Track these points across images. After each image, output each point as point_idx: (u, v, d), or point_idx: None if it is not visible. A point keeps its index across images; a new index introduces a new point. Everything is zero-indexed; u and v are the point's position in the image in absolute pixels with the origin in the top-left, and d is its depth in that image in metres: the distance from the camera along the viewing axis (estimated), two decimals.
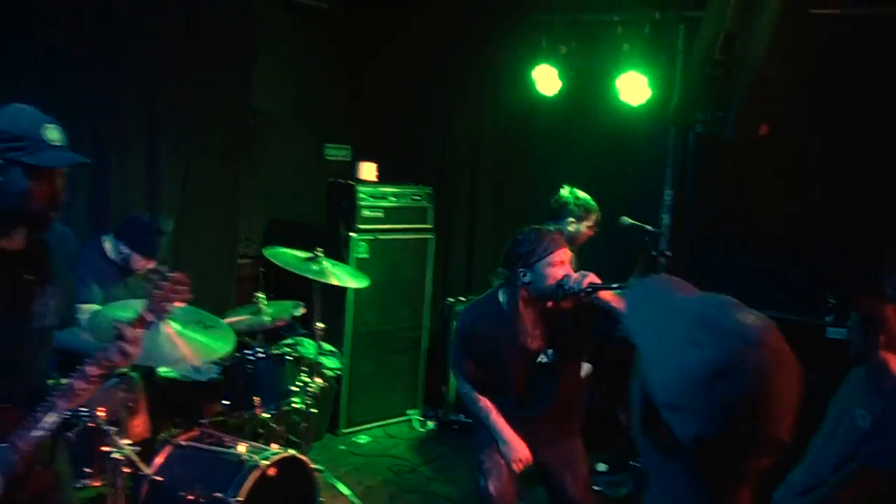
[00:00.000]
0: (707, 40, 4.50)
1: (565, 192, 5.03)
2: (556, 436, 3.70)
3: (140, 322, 2.61)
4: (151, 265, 4.76)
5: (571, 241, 5.06)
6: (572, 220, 4.96)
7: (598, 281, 3.31)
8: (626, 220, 5.09)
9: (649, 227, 5.16)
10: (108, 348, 2.53)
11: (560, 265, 3.39)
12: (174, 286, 2.68)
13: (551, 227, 4.92)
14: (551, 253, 3.39)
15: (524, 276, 3.41)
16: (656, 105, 5.37)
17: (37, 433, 2.42)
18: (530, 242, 3.41)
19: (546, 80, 5.86)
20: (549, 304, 3.49)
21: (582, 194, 5.00)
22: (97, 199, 5.17)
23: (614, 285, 3.27)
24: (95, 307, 4.49)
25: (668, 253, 5.32)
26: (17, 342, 2.49)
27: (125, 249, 4.66)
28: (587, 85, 5.85)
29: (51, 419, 2.43)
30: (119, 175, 5.31)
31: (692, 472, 1.36)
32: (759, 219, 5.42)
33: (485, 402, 3.66)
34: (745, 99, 4.44)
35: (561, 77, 5.82)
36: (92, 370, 2.50)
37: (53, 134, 2.40)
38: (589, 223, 4.98)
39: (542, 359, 3.57)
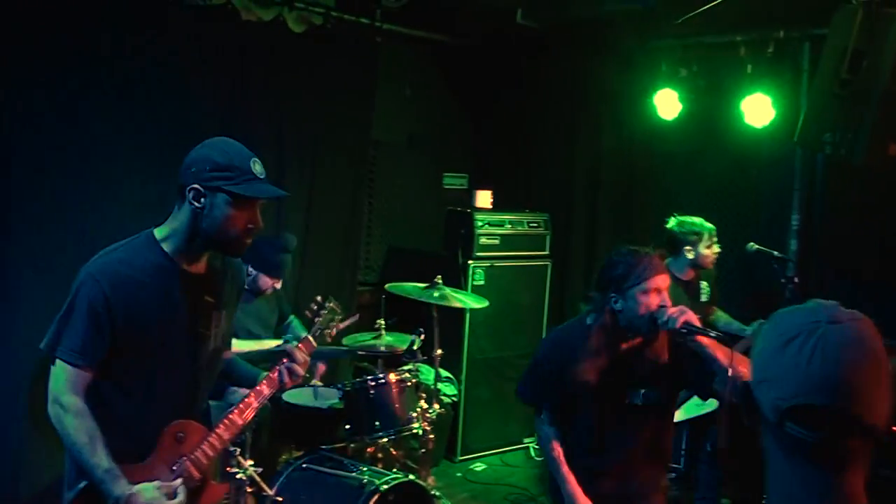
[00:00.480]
0: (833, 58, 4.35)
1: (670, 223, 5.00)
2: (639, 493, 3.26)
3: (305, 346, 2.88)
4: (278, 284, 4.94)
5: (698, 267, 4.96)
6: (688, 247, 4.92)
7: (695, 322, 2.86)
8: (753, 245, 4.98)
9: (777, 254, 5.01)
10: (279, 369, 2.78)
11: (655, 293, 2.99)
12: (333, 313, 3.02)
13: (668, 260, 4.89)
14: (648, 279, 2.99)
15: (615, 301, 3.04)
16: (782, 126, 5.21)
17: (216, 447, 2.63)
18: (626, 265, 3.03)
19: (667, 103, 5.77)
20: (638, 338, 3.11)
21: (688, 218, 4.94)
22: None
23: (712, 333, 2.83)
24: (237, 344, 4.70)
25: (797, 280, 5.13)
26: (196, 360, 2.66)
27: (252, 271, 4.85)
28: (709, 107, 5.72)
29: (228, 434, 2.67)
30: None
31: (801, 464, 1.40)
32: (893, 246, 5.16)
33: (558, 451, 3.25)
34: (876, 119, 4.27)
35: (682, 100, 5.72)
36: (263, 388, 2.76)
37: (258, 167, 2.54)
38: (706, 243, 4.89)
39: (635, 400, 3.15)
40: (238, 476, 3.75)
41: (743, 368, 2.54)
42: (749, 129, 5.37)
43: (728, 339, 2.75)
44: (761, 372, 1.43)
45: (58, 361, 2.47)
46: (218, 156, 2.50)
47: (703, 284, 5.11)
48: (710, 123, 5.78)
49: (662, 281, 3.02)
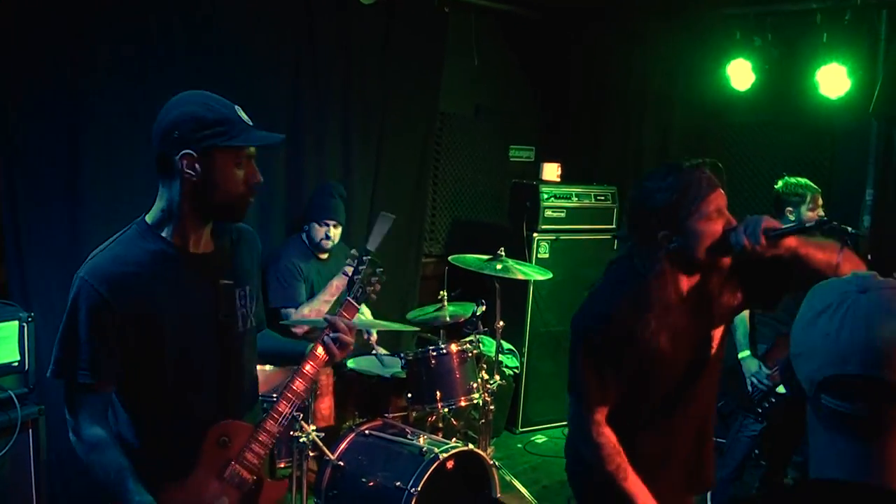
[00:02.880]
0: None
1: (778, 183, 4.86)
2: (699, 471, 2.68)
3: (348, 310, 2.54)
4: (333, 232, 4.91)
5: None
6: (790, 208, 4.80)
7: (776, 224, 2.26)
8: (845, 227, 4.82)
9: (850, 229, 4.83)
10: (322, 340, 2.44)
11: (717, 215, 2.30)
12: (373, 270, 2.62)
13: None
14: (704, 198, 2.28)
15: (670, 241, 2.31)
16: (857, 98, 5.06)
17: (266, 443, 2.36)
18: (671, 190, 2.29)
19: (740, 74, 5.63)
20: (706, 273, 2.43)
21: (794, 179, 4.79)
22: (292, 197, 5.42)
23: (809, 223, 2.39)
24: (304, 309, 4.76)
25: (870, 257, 4.99)
26: (227, 351, 2.35)
27: (306, 227, 4.91)
28: (783, 78, 5.56)
29: (277, 428, 2.38)
30: (315, 173, 5.56)
31: (840, 436, 1.36)
32: None
33: (624, 461, 2.49)
34: None
35: (755, 70, 5.58)
36: (309, 368, 2.43)
37: (244, 114, 2.24)
38: (808, 205, 4.78)
39: (706, 353, 2.53)
40: (301, 440, 3.85)
41: (850, 265, 2.25)
42: (824, 100, 5.23)
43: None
44: (796, 345, 1.41)
45: (68, 385, 2.19)
46: (203, 111, 2.16)
47: None
48: (784, 94, 5.62)
49: (721, 198, 2.33)
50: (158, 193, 2.26)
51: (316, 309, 4.72)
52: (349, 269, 2.64)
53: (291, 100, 5.44)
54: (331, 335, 2.44)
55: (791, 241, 2.27)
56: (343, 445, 4.21)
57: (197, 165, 2.15)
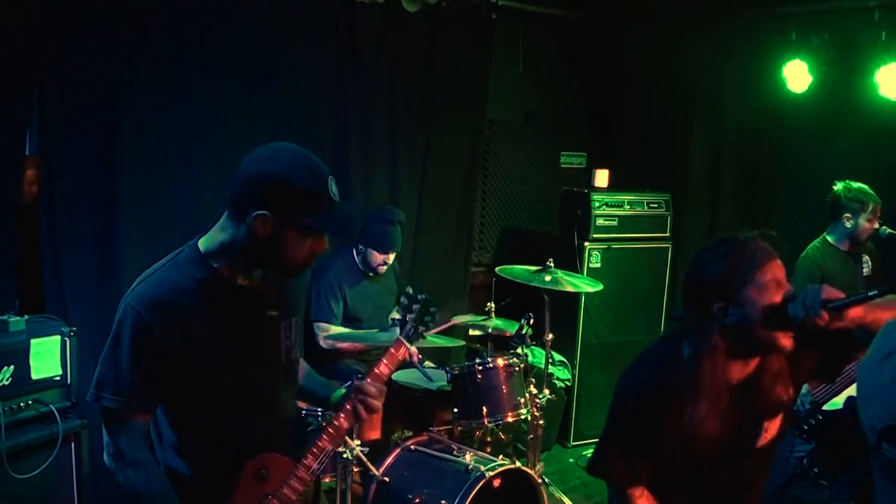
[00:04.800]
0: None
1: (838, 186, 4.77)
2: None
3: (397, 348, 2.51)
4: (390, 259, 4.91)
5: (853, 238, 4.71)
6: (847, 214, 4.70)
7: (838, 294, 2.08)
8: (886, 229, 4.68)
9: None
10: (352, 405, 2.37)
11: (775, 286, 2.15)
12: (427, 310, 2.58)
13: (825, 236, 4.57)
14: (760, 268, 2.16)
15: (725, 314, 2.17)
16: None
17: (305, 479, 2.33)
18: (725, 260, 2.18)
19: (796, 75, 5.47)
20: (755, 358, 2.27)
21: (856, 184, 4.70)
22: None
23: (871, 292, 2.10)
24: (336, 328, 4.75)
25: None
26: (269, 383, 2.34)
27: (362, 248, 4.88)
28: (841, 79, 5.38)
29: (317, 464, 2.34)
30: (362, 181, 5.54)
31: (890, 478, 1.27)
32: None
33: None
34: None
35: (811, 71, 5.40)
36: (343, 424, 2.37)
37: (334, 187, 2.17)
38: (867, 215, 4.64)
39: (756, 441, 2.35)
40: (345, 455, 3.81)
41: None
42: (884, 101, 5.04)
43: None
44: (861, 388, 1.30)
45: (108, 410, 2.17)
46: (293, 177, 2.10)
47: (865, 258, 4.85)
48: (843, 96, 5.44)
49: (778, 268, 2.20)
50: (221, 223, 2.23)
51: (351, 345, 4.77)
52: (398, 313, 2.61)
53: (336, 110, 5.45)
54: (358, 398, 2.38)
55: (856, 311, 2.08)
56: (388, 461, 4.18)
57: (269, 229, 2.12)
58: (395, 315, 2.69)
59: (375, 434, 4.39)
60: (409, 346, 2.55)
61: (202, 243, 2.24)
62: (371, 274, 4.97)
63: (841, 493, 4.81)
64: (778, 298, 2.14)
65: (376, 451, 4.22)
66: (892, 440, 1.19)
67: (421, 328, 2.58)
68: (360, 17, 5.41)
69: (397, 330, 2.62)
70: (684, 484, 2.40)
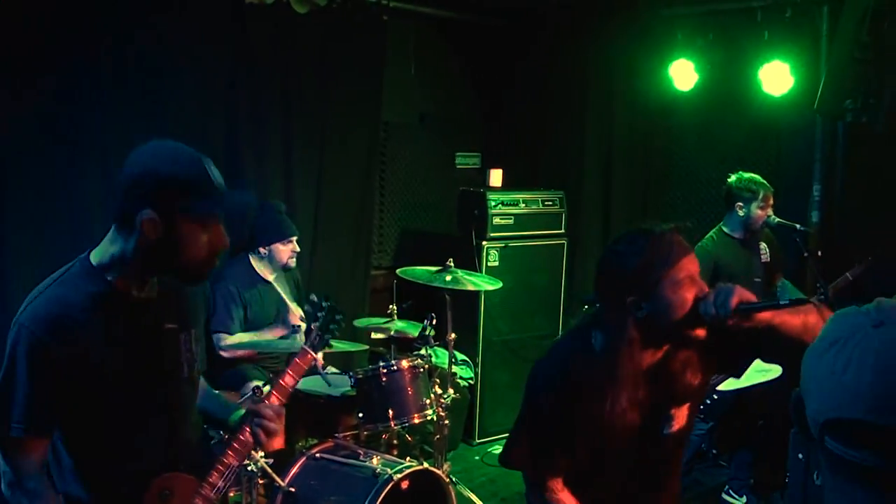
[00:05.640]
0: (852, 21, 4.23)
1: (731, 177, 4.91)
2: None
3: (302, 358, 2.44)
4: (296, 247, 4.85)
5: (747, 227, 4.86)
6: (740, 203, 4.85)
7: (750, 297, 2.12)
8: (774, 218, 4.85)
9: (798, 226, 4.87)
10: (250, 429, 2.29)
11: (690, 283, 2.16)
12: (332, 317, 2.54)
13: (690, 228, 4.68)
14: (675, 265, 2.15)
15: (638, 308, 2.17)
16: (801, 94, 5.06)
17: (211, 498, 2.25)
18: (639, 255, 2.17)
19: (683, 74, 5.64)
20: (672, 344, 2.28)
21: (747, 175, 4.85)
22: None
23: (782, 301, 2.16)
24: (238, 336, 4.64)
25: (819, 253, 5.00)
26: (171, 398, 2.24)
27: (263, 251, 4.78)
28: (726, 77, 5.58)
29: (221, 482, 2.26)
30: (256, 188, 5.41)
31: (846, 484, 1.25)
32: None
33: None
34: None
35: (697, 70, 5.58)
36: (242, 447, 2.29)
37: (215, 171, 2.08)
38: (759, 203, 4.79)
39: (666, 429, 2.36)
40: (249, 468, 3.70)
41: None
42: (768, 97, 5.24)
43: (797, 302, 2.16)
44: (805, 379, 1.30)
45: (6, 437, 2.05)
46: (170, 168, 2.02)
47: (762, 245, 5.01)
48: (728, 93, 5.64)
49: (692, 263, 2.21)
50: (110, 235, 2.12)
51: (248, 347, 4.65)
52: (295, 320, 2.55)
53: (228, 114, 5.34)
54: (256, 422, 2.29)
55: (764, 315, 2.12)
56: (294, 470, 4.09)
57: (159, 228, 2.01)
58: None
59: (279, 444, 4.29)
60: (314, 354, 2.49)
61: (94, 256, 2.14)
62: (271, 278, 4.88)
63: (741, 472, 4.98)
64: (691, 295, 2.15)
65: (281, 461, 4.11)
66: (834, 433, 1.20)
67: (326, 336, 2.55)
68: (250, 18, 5.30)
69: (297, 337, 2.57)
70: (596, 475, 2.39)
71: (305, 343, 2.51)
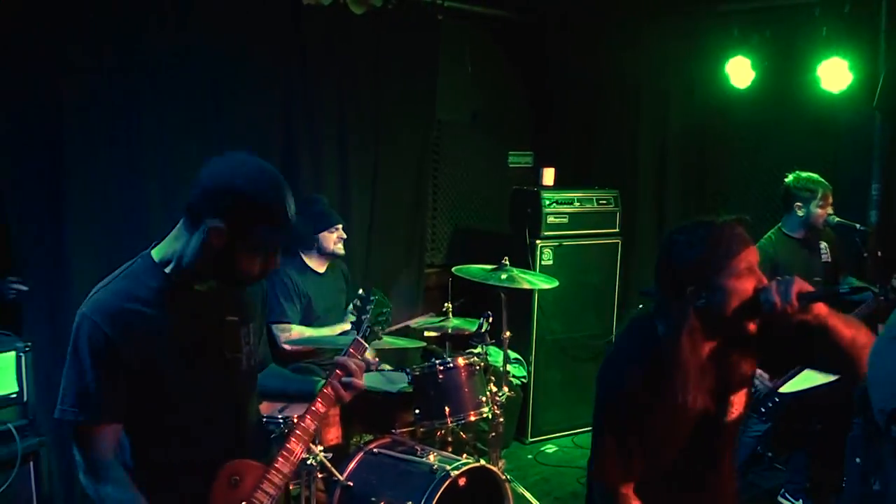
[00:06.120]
0: None
1: (788, 177, 4.85)
2: None
3: (357, 349, 2.52)
4: (342, 232, 4.90)
5: (807, 226, 4.80)
6: (798, 203, 4.77)
7: (809, 287, 2.16)
8: (834, 217, 4.77)
9: (858, 226, 4.80)
10: (332, 383, 2.39)
11: (748, 273, 2.21)
12: (380, 310, 2.59)
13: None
14: (735, 255, 2.20)
15: (699, 298, 2.21)
16: (860, 91, 5.00)
17: (277, 483, 2.31)
18: (701, 246, 2.22)
19: (739, 71, 5.57)
20: (730, 337, 2.31)
21: (805, 174, 4.78)
22: None
23: (842, 288, 2.29)
24: (296, 327, 4.70)
25: (879, 253, 4.92)
26: (232, 388, 2.31)
27: (313, 244, 4.84)
28: (783, 74, 5.50)
29: (288, 467, 2.34)
30: (313, 188, 5.48)
31: None
32: None
33: None
34: None
35: (754, 67, 5.51)
36: (321, 408, 2.39)
37: (291, 204, 2.14)
38: (818, 202, 4.73)
39: (724, 416, 2.41)
40: (308, 461, 3.77)
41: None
42: (826, 95, 5.16)
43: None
44: (871, 372, 1.29)
45: (74, 425, 2.14)
46: (254, 192, 2.08)
47: (823, 245, 4.93)
48: (785, 91, 5.55)
49: (752, 255, 2.24)
50: (176, 231, 2.20)
51: (309, 343, 4.71)
52: (352, 316, 2.62)
53: (284, 116, 5.41)
54: (342, 378, 2.40)
55: (822, 309, 2.16)
56: (352, 465, 4.13)
57: (223, 240, 2.08)
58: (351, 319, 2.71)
59: (336, 439, 4.36)
60: (367, 345, 2.55)
61: (156, 252, 2.21)
62: (322, 270, 4.95)
63: (797, 475, 4.92)
64: (751, 286, 2.19)
65: (339, 456, 4.16)
66: None
67: (377, 328, 2.60)
68: (307, 19, 5.38)
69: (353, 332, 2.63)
70: (660, 466, 2.38)
71: (358, 335, 2.57)
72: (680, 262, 2.25)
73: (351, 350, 2.50)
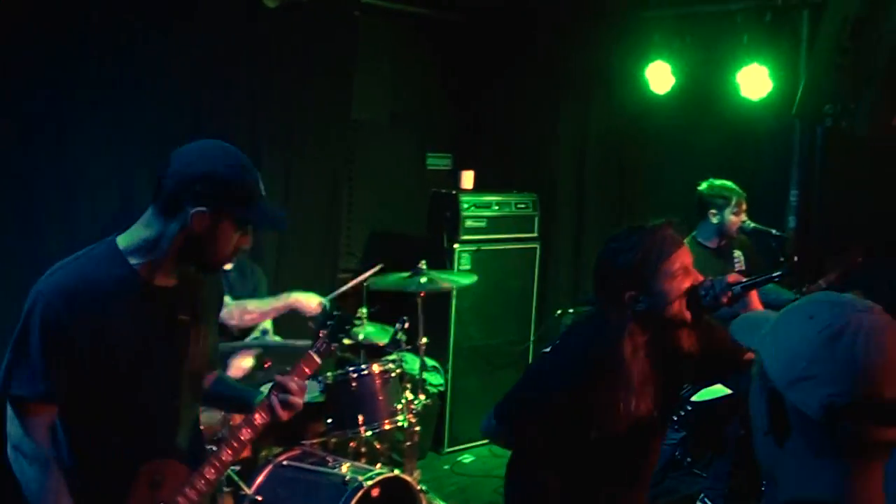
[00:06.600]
0: (834, 26, 4.20)
1: (702, 185, 4.86)
2: None
3: (308, 363, 2.49)
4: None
5: (721, 234, 4.80)
6: (713, 210, 4.79)
7: (741, 279, 2.33)
8: (750, 223, 4.81)
9: (774, 231, 4.85)
10: (270, 403, 2.38)
11: (683, 273, 2.31)
12: (341, 326, 2.57)
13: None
14: (669, 257, 2.30)
15: (638, 303, 2.31)
16: (780, 99, 5.03)
17: (201, 491, 2.29)
18: (635, 251, 2.30)
19: (659, 77, 5.58)
20: (670, 335, 2.41)
21: (719, 181, 4.81)
22: None
23: (775, 273, 2.44)
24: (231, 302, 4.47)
25: (796, 258, 4.96)
26: (172, 388, 2.31)
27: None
28: (703, 80, 5.53)
29: (216, 475, 2.32)
30: None
31: (821, 454, 1.34)
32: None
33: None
34: (879, 89, 4.09)
35: (675, 73, 5.53)
36: (258, 420, 2.38)
37: (261, 184, 2.24)
38: (732, 209, 4.75)
39: (659, 417, 2.50)
40: None
41: None
42: (746, 101, 5.19)
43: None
44: (802, 369, 1.32)
45: (13, 399, 2.15)
46: (231, 175, 2.16)
47: (737, 254, 4.95)
48: (705, 97, 5.59)
49: (686, 255, 2.34)
50: (145, 220, 2.22)
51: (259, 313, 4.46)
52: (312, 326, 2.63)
53: (195, 110, 5.19)
54: (279, 396, 2.39)
55: (757, 302, 2.35)
56: (260, 479, 3.96)
57: (206, 224, 2.14)
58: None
59: (245, 451, 4.16)
60: (318, 360, 2.52)
61: (121, 240, 2.22)
62: (228, 267, 4.72)
63: (718, 481, 4.92)
64: (686, 284, 2.32)
65: (247, 470, 4.00)
66: (854, 416, 1.30)
67: (334, 343, 2.57)
68: (220, 14, 5.16)
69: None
70: (595, 459, 2.48)
71: (312, 349, 2.54)
72: (616, 269, 2.35)
73: (301, 364, 2.48)
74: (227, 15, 5.20)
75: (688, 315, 2.32)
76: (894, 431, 1.32)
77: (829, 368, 1.29)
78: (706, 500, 4.92)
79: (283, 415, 2.38)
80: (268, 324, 4.70)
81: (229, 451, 2.34)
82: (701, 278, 2.34)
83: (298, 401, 2.40)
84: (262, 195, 2.23)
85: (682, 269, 2.31)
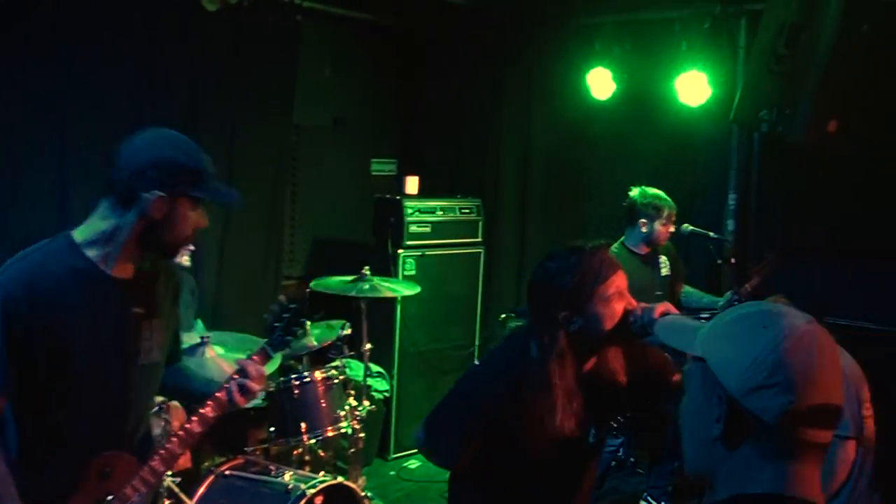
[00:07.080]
0: (770, 33, 4.25)
1: (634, 192, 4.88)
2: None
3: (262, 356, 2.47)
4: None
5: (649, 243, 4.83)
6: (643, 220, 4.80)
7: (673, 310, 2.29)
8: (688, 227, 4.89)
9: (712, 234, 4.93)
10: (228, 387, 2.37)
11: (619, 298, 2.32)
12: (295, 318, 2.52)
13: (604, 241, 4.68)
14: (605, 280, 2.30)
15: (571, 323, 2.31)
16: (718, 105, 5.10)
17: (150, 482, 2.30)
18: (572, 273, 2.30)
19: (600, 83, 5.61)
20: (600, 357, 2.43)
21: (651, 190, 4.84)
22: None
23: (704, 315, 2.59)
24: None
25: (733, 260, 5.04)
26: (124, 380, 2.31)
27: None
28: (644, 87, 5.58)
29: (164, 467, 2.33)
30: None
31: (766, 455, 1.39)
32: (829, 223, 5.07)
33: None
34: (814, 95, 4.16)
35: (615, 79, 5.57)
36: (210, 412, 2.36)
37: (211, 164, 2.30)
38: (662, 220, 4.78)
39: (591, 438, 2.50)
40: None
41: None
42: (684, 108, 5.25)
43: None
44: (763, 377, 1.38)
45: None
46: (182, 157, 2.22)
47: (662, 259, 4.98)
48: (645, 103, 5.65)
49: (621, 279, 2.35)
50: (101, 212, 2.25)
51: None
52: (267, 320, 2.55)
53: (133, 114, 5.06)
54: (239, 380, 2.38)
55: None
56: (202, 489, 3.90)
57: (164, 208, 2.19)
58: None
59: (186, 462, 4.09)
60: (272, 354, 2.50)
61: (77, 234, 2.25)
62: None
63: (659, 480, 4.97)
64: (620, 308, 2.31)
65: (188, 481, 3.90)
66: (809, 421, 1.41)
67: (288, 337, 2.52)
68: (158, 13, 5.07)
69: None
70: (524, 479, 2.44)
71: (266, 343, 2.51)
72: (552, 289, 2.34)
73: (254, 357, 2.46)
74: (165, 19, 5.12)
75: (618, 338, 2.34)
76: (829, 434, 1.40)
77: (789, 377, 1.36)
78: (649, 498, 4.97)
79: (241, 400, 2.36)
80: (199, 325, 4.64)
81: (178, 444, 2.33)
82: (635, 303, 2.33)
83: (256, 387, 2.38)
84: (212, 173, 2.28)
85: (618, 294, 2.32)
